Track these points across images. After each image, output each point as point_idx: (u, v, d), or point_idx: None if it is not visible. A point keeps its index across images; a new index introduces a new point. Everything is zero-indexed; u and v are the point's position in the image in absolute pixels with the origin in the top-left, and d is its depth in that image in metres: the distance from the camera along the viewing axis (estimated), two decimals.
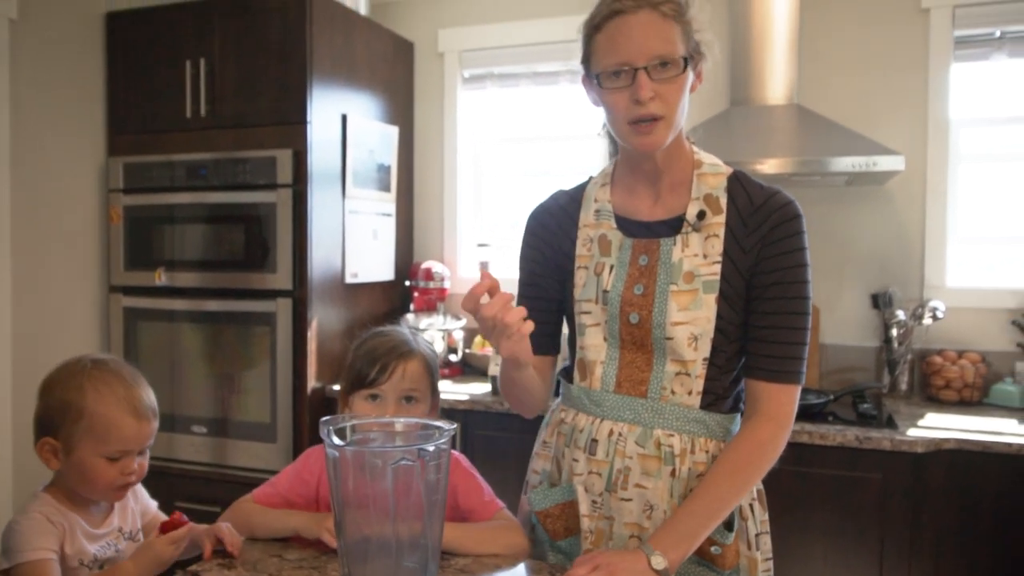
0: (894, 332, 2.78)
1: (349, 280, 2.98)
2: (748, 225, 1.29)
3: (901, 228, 2.89)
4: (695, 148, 1.38)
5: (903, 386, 2.82)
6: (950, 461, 2.24)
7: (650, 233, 1.34)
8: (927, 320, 2.74)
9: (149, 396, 1.32)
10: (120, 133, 3.06)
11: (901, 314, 2.77)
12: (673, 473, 1.29)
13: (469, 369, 3.18)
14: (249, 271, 2.82)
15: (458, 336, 3.22)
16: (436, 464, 0.95)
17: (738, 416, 1.37)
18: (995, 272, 2.86)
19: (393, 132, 3.23)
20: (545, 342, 1.47)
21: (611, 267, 1.35)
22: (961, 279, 2.86)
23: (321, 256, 2.83)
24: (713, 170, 1.34)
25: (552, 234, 1.44)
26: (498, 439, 2.63)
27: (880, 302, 2.83)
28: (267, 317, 2.79)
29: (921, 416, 2.51)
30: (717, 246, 1.29)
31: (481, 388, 2.85)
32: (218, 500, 2.68)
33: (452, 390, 2.82)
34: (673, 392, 1.30)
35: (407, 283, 3.29)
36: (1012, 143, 2.84)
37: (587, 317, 1.36)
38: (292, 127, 2.78)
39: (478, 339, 3.23)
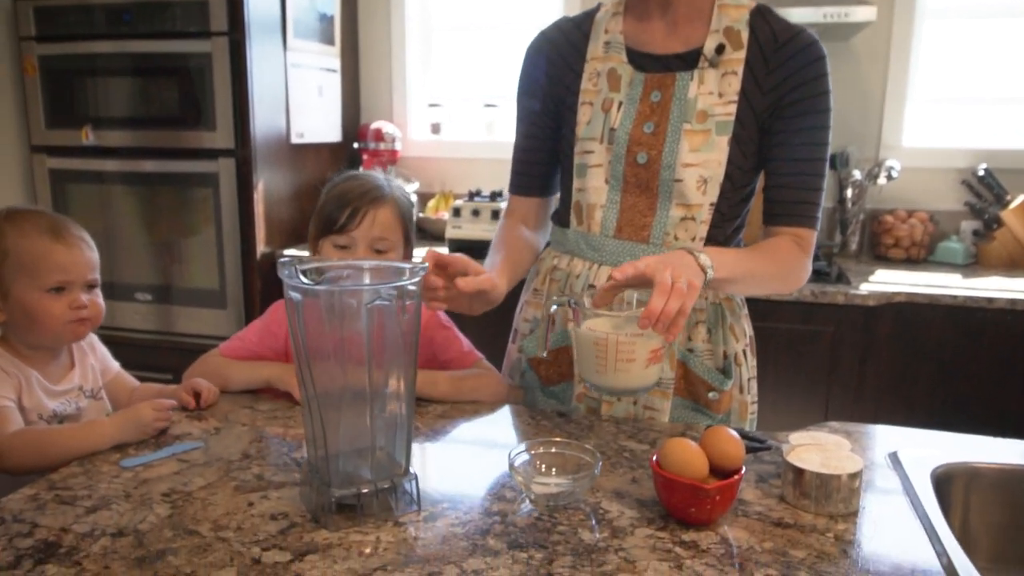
0: (849, 192, 2.80)
1: (295, 140, 2.82)
2: (770, 63, 1.21)
3: (862, 87, 2.85)
4: None
5: (853, 245, 2.87)
6: (898, 314, 2.31)
7: (663, 67, 1.25)
8: (882, 180, 2.77)
9: (77, 227, 1.24)
10: None
11: (857, 173, 2.78)
12: None
13: (424, 234, 3.10)
14: (186, 129, 2.62)
15: (411, 199, 3.11)
16: (411, 304, 0.89)
17: None
18: (950, 132, 2.88)
19: None
20: (542, 184, 1.41)
21: (620, 104, 1.26)
22: (917, 139, 2.87)
23: (264, 113, 2.64)
24: (735, 1, 1.24)
25: (554, 67, 1.33)
26: None
27: (837, 162, 2.83)
28: (209, 178, 2.63)
29: (871, 273, 2.57)
30: (734, 84, 1.21)
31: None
32: (168, 368, 2.61)
33: None
34: (676, 238, 1.25)
35: (355, 145, 3.13)
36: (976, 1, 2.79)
37: (589, 157, 1.29)
38: None
39: (432, 203, 3.14)
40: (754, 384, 1.36)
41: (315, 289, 0.83)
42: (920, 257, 2.77)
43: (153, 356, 2.77)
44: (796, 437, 1.06)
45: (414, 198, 3.11)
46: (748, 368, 1.34)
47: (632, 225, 1.28)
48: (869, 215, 2.87)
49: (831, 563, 0.83)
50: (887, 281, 2.44)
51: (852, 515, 0.94)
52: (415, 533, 0.87)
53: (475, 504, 0.94)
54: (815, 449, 1.00)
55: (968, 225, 2.81)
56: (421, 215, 3.12)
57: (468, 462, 1.09)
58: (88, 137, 2.69)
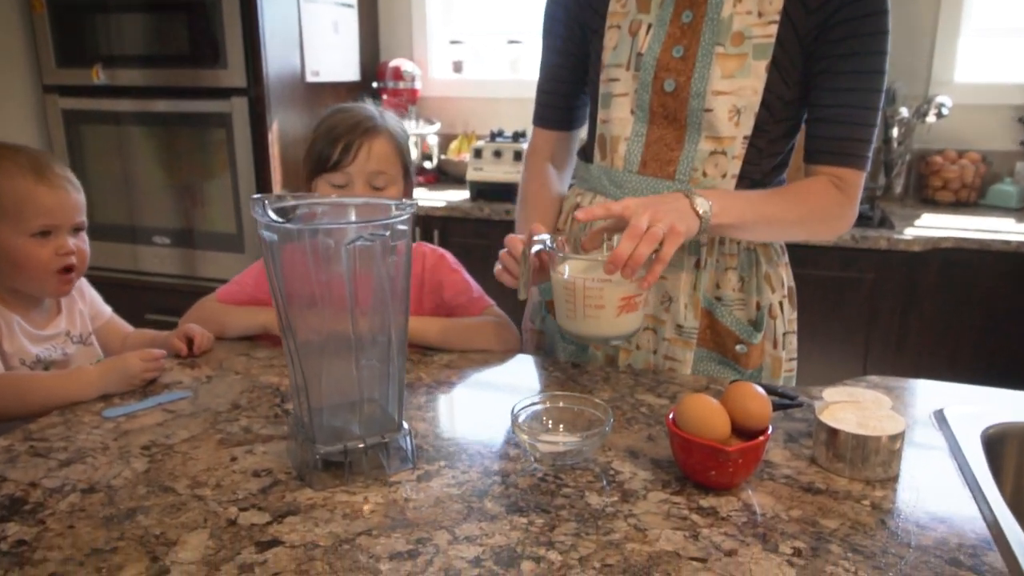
0: (895, 132, 2.63)
1: (310, 79, 2.71)
2: None
3: (911, 17, 2.65)
4: None
5: (898, 189, 2.71)
6: (945, 260, 2.17)
7: None
8: (931, 118, 2.58)
9: (62, 167, 1.16)
10: None
11: (904, 111, 2.60)
12: (698, 264, 1.17)
13: (445, 176, 3.00)
14: (197, 67, 2.53)
15: (432, 142, 3.01)
16: (400, 245, 0.79)
17: None
18: (1006, 66, 2.67)
19: None
20: (567, 116, 1.31)
21: (648, 26, 1.14)
22: (970, 74, 2.67)
23: (277, 50, 2.54)
24: None
25: None
26: (477, 247, 2.50)
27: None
28: (222, 118, 2.54)
29: (917, 217, 2.43)
30: (776, 2, 1.07)
31: (458, 195, 2.69)
32: None
33: (428, 197, 2.66)
34: (705, 174, 1.14)
35: (374, 84, 3.02)
36: None
37: (615, 85, 1.18)
38: None
39: (454, 145, 3.03)
40: (792, 340, 1.26)
41: (287, 228, 0.75)
42: (970, 200, 2.61)
43: (173, 300, 2.73)
44: (830, 393, 0.97)
45: (435, 139, 3.01)
46: (784, 322, 1.24)
47: (658, 160, 1.17)
48: (916, 156, 2.70)
49: (867, 535, 0.74)
50: (934, 225, 2.29)
51: (891, 480, 0.84)
52: (407, 494, 0.80)
53: (475, 463, 0.87)
54: (851, 407, 0.90)
55: (1023, 166, 2.63)
56: (443, 157, 3.02)
57: (471, 416, 1.01)
58: (99, 76, 2.61)
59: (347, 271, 0.76)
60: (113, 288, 3.01)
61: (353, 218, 0.80)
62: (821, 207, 1.12)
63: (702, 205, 1.01)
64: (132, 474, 0.83)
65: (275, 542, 0.71)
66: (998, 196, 2.59)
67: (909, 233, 2.18)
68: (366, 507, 0.78)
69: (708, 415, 0.80)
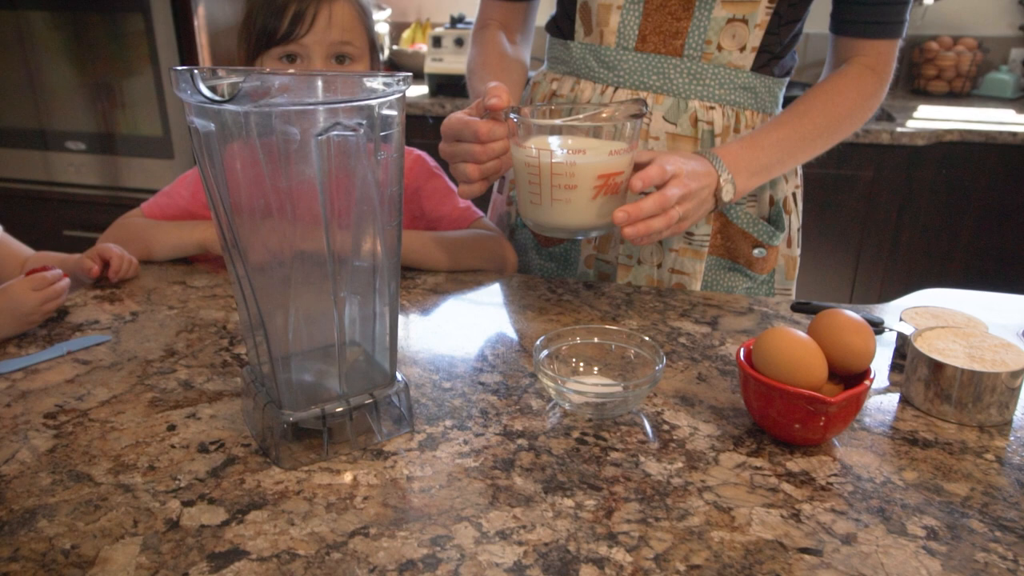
0: None
1: None
2: None
3: None
4: None
5: None
6: (946, 154, 2.02)
7: None
8: (928, 0, 2.38)
9: None
10: None
11: None
12: None
13: (399, 70, 2.70)
14: None
15: (382, 30, 2.69)
16: (388, 137, 0.57)
17: (787, 82, 1.03)
18: None
19: None
20: None
21: None
22: None
23: None
24: None
25: None
26: (437, 149, 2.26)
27: None
28: (138, 1, 2.18)
29: (913, 109, 2.26)
30: None
31: (414, 91, 2.41)
32: None
33: None
34: (720, 48, 0.93)
35: None
36: None
37: None
38: None
39: (407, 34, 2.71)
40: (800, 235, 1.10)
41: (231, 110, 0.51)
42: (964, 90, 2.45)
43: (95, 214, 2.44)
44: (910, 315, 0.80)
45: (384, 28, 2.69)
46: (799, 215, 1.09)
47: (660, 32, 0.95)
48: (909, 42, 2.51)
49: (1008, 503, 0.58)
50: (934, 117, 2.13)
51: (1006, 425, 0.69)
52: (408, 470, 0.61)
53: (489, 421, 0.68)
54: (951, 333, 0.73)
55: (1019, 53, 2.47)
56: (395, 48, 2.70)
57: (473, 356, 0.81)
58: None
59: (320, 173, 0.54)
60: (23, 201, 2.67)
61: (322, 95, 0.56)
62: (858, 104, 0.96)
63: (728, 192, 0.86)
64: (31, 456, 0.61)
65: (236, 552, 0.52)
66: (993, 86, 2.43)
67: (911, 126, 2.02)
68: (357, 492, 0.58)
69: (802, 355, 0.61)
